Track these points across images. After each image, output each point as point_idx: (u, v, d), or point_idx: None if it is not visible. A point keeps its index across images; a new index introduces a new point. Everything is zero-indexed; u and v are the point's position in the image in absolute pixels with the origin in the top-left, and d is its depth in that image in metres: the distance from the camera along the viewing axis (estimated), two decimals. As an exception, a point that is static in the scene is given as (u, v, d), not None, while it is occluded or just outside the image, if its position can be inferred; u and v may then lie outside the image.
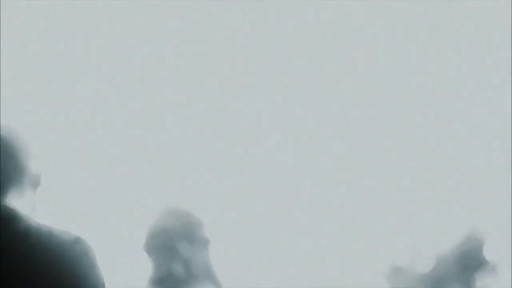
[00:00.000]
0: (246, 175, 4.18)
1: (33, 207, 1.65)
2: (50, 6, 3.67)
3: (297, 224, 4.39)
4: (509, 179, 4.26)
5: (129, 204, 3.73)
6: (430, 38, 4.20)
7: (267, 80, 4.15)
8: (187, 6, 3.90)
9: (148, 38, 3.92)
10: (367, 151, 4.41)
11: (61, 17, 3.73)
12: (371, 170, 4.44)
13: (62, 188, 3.75)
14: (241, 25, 4.01)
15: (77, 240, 1.53)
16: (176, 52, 3.98)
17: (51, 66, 3.77)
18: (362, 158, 4.44)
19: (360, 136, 4.41)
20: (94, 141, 3.88)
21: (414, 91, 4.31)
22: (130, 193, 3.71)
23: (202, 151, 3.99)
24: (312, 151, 4.31)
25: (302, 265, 4.37)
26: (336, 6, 4.11)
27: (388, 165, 4.44)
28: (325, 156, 4.37)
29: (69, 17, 3.79)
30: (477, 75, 4.24)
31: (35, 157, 1.64)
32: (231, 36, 4.01)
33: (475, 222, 4.27)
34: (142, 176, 3.87)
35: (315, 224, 4.39)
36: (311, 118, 4.27)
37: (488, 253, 4.20)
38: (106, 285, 1.54)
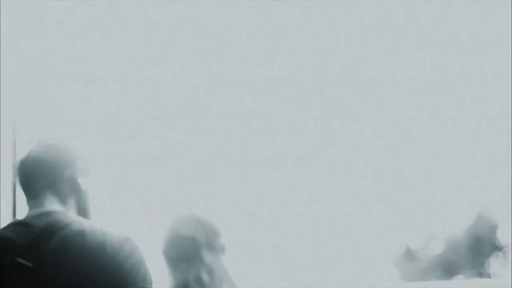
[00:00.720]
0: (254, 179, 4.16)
1: (87, 210, 1.74)
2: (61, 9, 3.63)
3: (307, 210, 4.37)
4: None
5: (143, 211, 3.70)
6: (430, 38, 4.16)
7: (267, 80, 4.11)
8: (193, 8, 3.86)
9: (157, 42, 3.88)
10: (378, 134, 4.38)
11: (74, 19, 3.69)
12: (382, 154, 4.41)
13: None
14: (243, 25, 3.97)
15: (127, 239, 1.63)
16: (183, 54, 3.94)
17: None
18: (373, 142, 4.40)
19: (375, 119, 4.37)
20: (108, 142, 3.86)
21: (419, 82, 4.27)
22: (144, 199, 3.70)
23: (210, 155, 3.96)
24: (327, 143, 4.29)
25: (315, 254, 4.36)
26: (335, 6, 4.07)
27: (399, 149, 4.40)
28: (339, 140, 4.34)
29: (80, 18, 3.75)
30: (477, 75, 4.21)
31: (84, 163, 1.75)
32: (233, 38, 3.97)
33: (488, 206, 4.25)
34: (156, 182, 3.84)
35: (324, 213, 4.37)
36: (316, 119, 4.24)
37: (501, 237, 4.18)
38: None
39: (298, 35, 4.03)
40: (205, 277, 2.11)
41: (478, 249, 4.23)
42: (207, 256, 2.10)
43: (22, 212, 3.86)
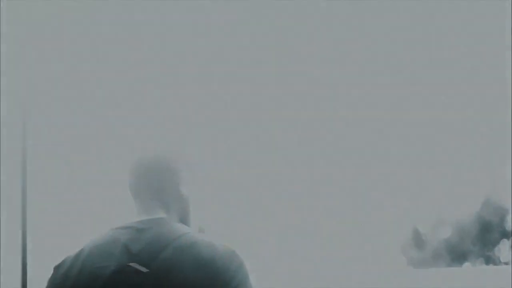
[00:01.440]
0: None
1: (188, 219, 1.79)
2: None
3: (315, 197, 4.37)
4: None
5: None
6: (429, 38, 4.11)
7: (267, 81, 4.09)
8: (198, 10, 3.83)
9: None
10: (388, 126, 4.36)
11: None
12: (391, 141, 4.39)
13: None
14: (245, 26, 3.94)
15: (234, 253, 1.65)
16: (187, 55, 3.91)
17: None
18: (381, 127, 4.38)
19: (386, 111, 4.35)
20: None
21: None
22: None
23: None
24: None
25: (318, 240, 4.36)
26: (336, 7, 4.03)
27: (408, 134, 4.38)
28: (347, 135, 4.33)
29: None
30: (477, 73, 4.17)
31: (189, 173, 1.79)
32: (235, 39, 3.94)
33: (497, 193, 4.23)
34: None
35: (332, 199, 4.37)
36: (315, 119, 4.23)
37: (509, 224, 4.17)
38: None
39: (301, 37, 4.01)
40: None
41: (486, 236, 4.22)
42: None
43: (32, 215, 3.90)
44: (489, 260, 4.18)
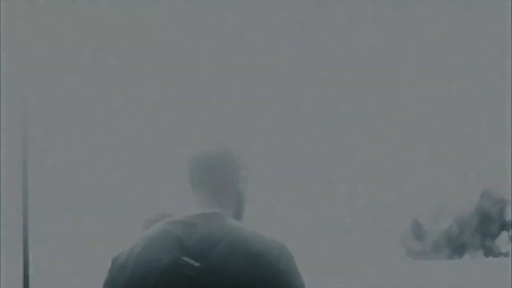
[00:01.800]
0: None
1: (242, 215, 1.85)
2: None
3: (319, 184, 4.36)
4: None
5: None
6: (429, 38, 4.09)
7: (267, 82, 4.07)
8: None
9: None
10: (390, 117, 4.34)
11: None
12: (391, 130, 4.38)
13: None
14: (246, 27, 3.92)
15: (284, 247, 1.68)
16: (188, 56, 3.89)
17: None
18: (382, 117, 4.37)
19: (388, 104, 4.33)
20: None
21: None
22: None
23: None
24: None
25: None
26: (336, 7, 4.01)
27: (407, 125, 4.37)
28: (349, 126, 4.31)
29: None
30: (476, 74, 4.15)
31: (246, 171, 1.85)
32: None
33: (496, 185, 4.21)
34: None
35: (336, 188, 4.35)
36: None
37: (509, 216, 4.15)
38: None
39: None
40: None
41: (486, 227, 4.20)
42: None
43: (33, 209, 3.88)
44: (489, 251, 4.16)
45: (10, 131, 3.77)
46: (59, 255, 4.16)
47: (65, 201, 4.03)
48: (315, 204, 4.40)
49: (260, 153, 4.25)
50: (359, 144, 4.37)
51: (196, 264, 1.63)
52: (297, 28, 4.08)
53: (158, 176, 3.85)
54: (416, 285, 4.20)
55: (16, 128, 3.67)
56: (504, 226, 4.21)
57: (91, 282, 4.61)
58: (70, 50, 3.78)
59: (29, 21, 3.47)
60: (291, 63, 4.15)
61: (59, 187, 4.04)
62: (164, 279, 1.65)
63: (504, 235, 4.20)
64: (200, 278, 1.62)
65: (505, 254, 4.18)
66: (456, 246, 4.23)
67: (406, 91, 4.30)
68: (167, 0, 3.84)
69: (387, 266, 4.38)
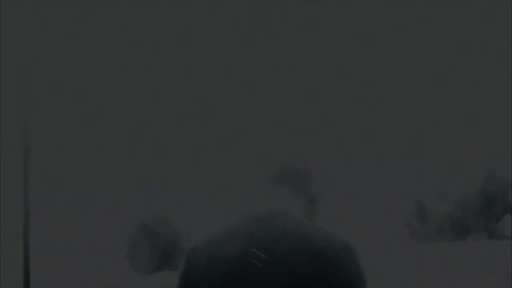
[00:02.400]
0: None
1: (313, 215, 1.89)
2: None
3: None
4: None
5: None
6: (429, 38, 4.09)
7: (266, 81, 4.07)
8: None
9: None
10: (391, 100, 4.34)
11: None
12: (396, 112, 4.38)
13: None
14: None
15: (349, 246, 1.71)
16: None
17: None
18: (386, 99, 4.37)
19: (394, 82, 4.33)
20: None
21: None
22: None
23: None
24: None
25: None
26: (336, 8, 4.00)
27: (412, 106, 4.37)
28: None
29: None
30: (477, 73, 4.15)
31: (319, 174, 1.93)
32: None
33: (500, 168, 4.21)
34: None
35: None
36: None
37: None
38: None
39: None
40: None
41: (490, 210, 4.21)
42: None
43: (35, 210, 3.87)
44: (493, 234, 4.17)
45: (10, 131, 3.77)
46: (59, 255, 4.17)
47: (65, 201, 4.04)
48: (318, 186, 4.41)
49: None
50: (361, 126, 4.38)
51: (263, 256, 1.69)
52: (297, 28, 4.08)
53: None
54: (420, 267, 4.22)
55: (16, 128, 3.68)
56: (508, 209, 4.22)
57: (91, 282, 4.62)
58: (70, 50, 3.78)
59: (29, 21, 3.46)
60: (291, 63, 4.15)
61: (59, 187, 4.04)
62: (234, 268, 1.70)
63: (508, 218, 4.21)
64: (266, 270, 1.68)
65: (509, 237, 4.19)
66: (460, 229, 4.24)
67: (411, 70, 4.30)
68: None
69: (391, 248, 4.39)
